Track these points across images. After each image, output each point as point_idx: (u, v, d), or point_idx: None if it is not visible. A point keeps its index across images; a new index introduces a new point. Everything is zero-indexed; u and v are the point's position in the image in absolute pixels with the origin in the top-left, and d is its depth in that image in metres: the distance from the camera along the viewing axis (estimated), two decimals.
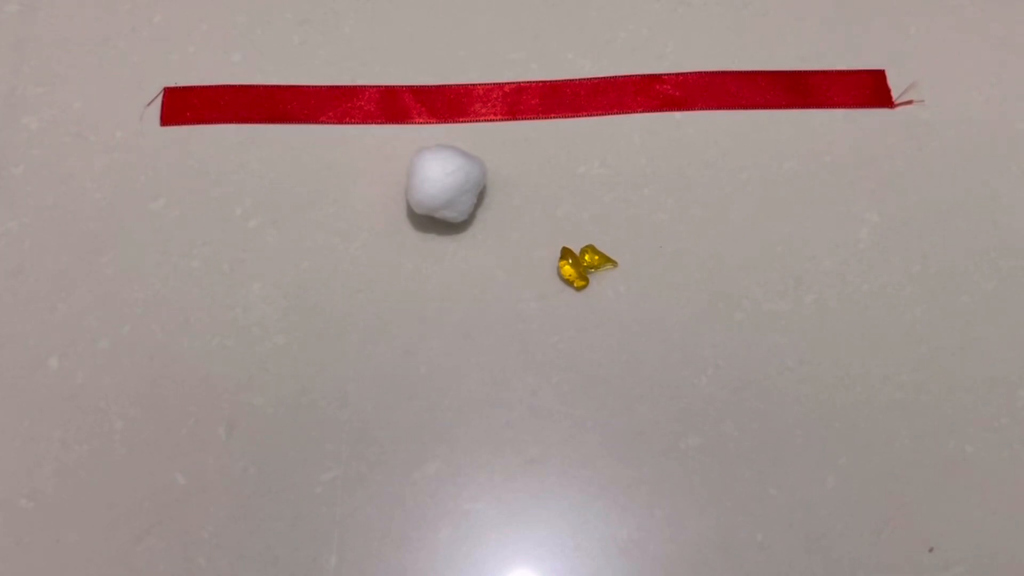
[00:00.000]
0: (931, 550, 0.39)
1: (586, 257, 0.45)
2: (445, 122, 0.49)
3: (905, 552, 0.39)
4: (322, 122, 0.49)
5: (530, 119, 0.49)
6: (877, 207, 0.46)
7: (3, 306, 0.44)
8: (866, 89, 0.50)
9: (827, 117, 0.49)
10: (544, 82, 0.50)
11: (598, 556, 0.39)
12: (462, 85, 0.50)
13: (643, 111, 0.49)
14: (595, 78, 0.50)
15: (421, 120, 0.49)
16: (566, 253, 0.44)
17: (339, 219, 0.46)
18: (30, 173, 0.47)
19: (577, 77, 0.50)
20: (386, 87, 0.50)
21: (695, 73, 0.50)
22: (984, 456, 0.41)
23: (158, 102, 0.49)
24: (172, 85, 0.49)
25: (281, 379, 0.42)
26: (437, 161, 0.43)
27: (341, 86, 0.50)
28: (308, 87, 0.50)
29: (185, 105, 0.49)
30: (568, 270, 0.44)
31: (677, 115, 0.49)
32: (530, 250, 0.45)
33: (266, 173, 0.47)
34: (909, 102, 0.49)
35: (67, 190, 0.47)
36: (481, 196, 0.46)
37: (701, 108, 0.49)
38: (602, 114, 0.49)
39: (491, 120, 0.49)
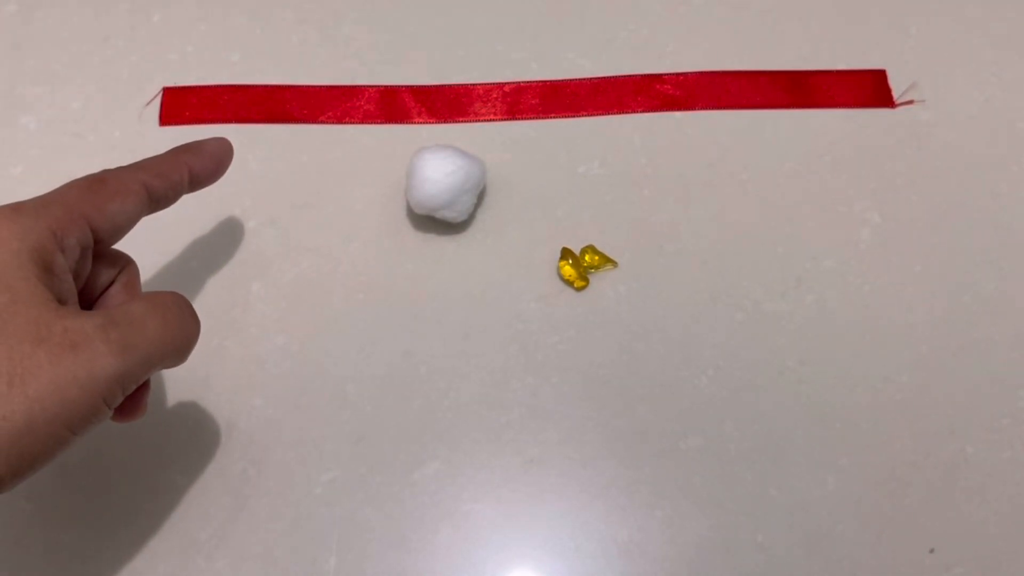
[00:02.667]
0: (932, 551, 0.39)
1: (586, 257, 0.45)
2: (445, 122, 0.49)
3: (906, 553, 0.39)
4: (321, 122, 0.49)
5: (530, 119, 0.49)
6: (878, 207, 0.46)
7: None
8: (866, 89, 0.50)
9: (827, 117, 0.49)
10: (544, 82, 0.50)
11: (598, 557, 0.38)
12: (462, 85, 0.50)
13: (643, 111, 0.49)
14: (595, 78, 0.50)
15: (421, 120, 0.49)
16: (566, 253, 0.44)
17: (339, 219, 0.46)
18: (29, 173, 0.47)
19: (577, 77, 0.50)
20: (386, 87, 0.49)
21: (695, 73, 0.50)
22: (985, 457, 0.41)
23: (157, 102, 0.49)
24: (171, 85, 0.49)
25: (281, 379, 0.42)
26: (437, 161, 0.43)
27: (340, 86, 0.50)
28: (307, 87, 0.49)
29: (184, 105, 0.49)
30: (568, 270, 0.44)
31: (677, 115, 0.49)
32: (530, 250, 0.45)
33: (265, 173, 0.47)
34: (910, 102, 0.49)
35: None
36: (481, 196, 0.46)
37: (701, 108, 0.49)
38: (602, 114, 0.49)
39: (491, 120, 0.49)
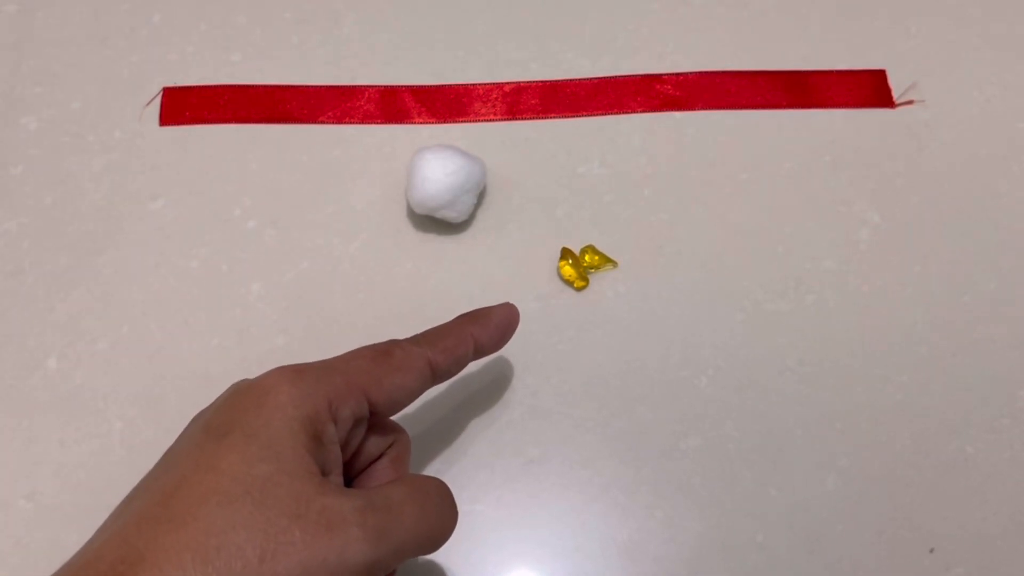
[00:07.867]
0: (932, 551, 0.39)
1: (586, 257, 0.45)
2: (445, 122, 0.49)
3: (906, 553, 0.39)
4: (321, 122, 0.49)
5: (530, 119, 0.49)
6: (877, 207, 0.46)
7: (1, 306, 0.43)
8: (866, 89, 0.50)
9: (827, 117, 0.49)
10: (544, 82, 0.50)
11: (598, 557, 0.38)
12: (462, 85, 0.50)
13: (643, 111, 0.49)
14: (595, 78, 0.50)
15: (421, 120, 0.49)
16: (566, 253, 0.44)
17: (339, 219, 0.46)
18: (29, 173, 0.47)
19: (577, 77, 0.50)
20: (386, 87, 0.49)
21: (695, 73, 0.50)
22: (985, 457, 0.41)
23: (157, 102, 0.49)
24: (171, 85, 0.49)
25: None
26: (437, 161, 0.43)
27: (340, 86, 0.50)
28: (307, 87, 0.49)
29: (184, 105, 0.49)
30: (568, 270, 0.44)
31: (677, 115, 0.49)
32: (530, 250, 0.45)
33: (265, 173, 0.47)
34: (910, 102, 0.49)
35: (66, 190, 0.46)
36: (481, 196, 0.46)
37: (701, 108, 0.49)
38: (602, 114, 0.49)
39: (491, 120, 0.49)
